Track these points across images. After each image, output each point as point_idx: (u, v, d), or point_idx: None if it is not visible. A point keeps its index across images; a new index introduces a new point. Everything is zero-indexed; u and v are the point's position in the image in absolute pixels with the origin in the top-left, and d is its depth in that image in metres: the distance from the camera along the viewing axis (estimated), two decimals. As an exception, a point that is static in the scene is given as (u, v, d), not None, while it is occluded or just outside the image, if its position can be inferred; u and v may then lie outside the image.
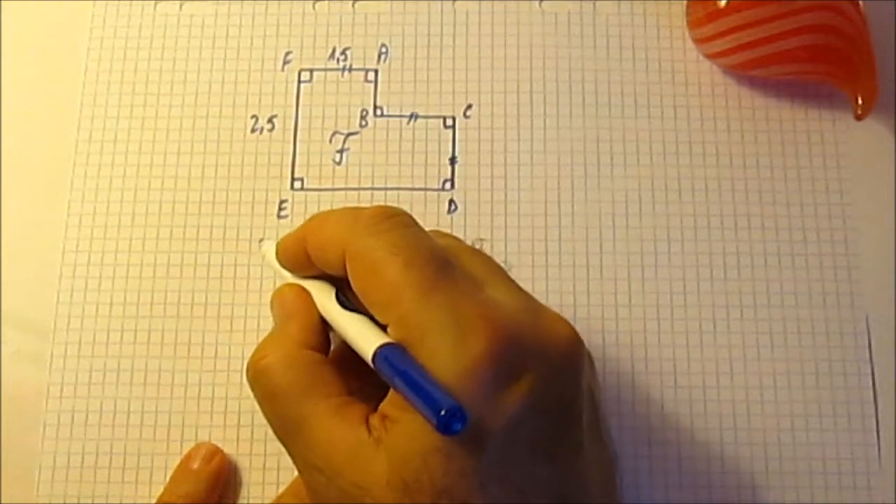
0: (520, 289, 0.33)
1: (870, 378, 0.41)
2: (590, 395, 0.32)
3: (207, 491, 0.39)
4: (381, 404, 0.31)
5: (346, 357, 0.34)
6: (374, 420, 0.30)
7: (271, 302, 0.36)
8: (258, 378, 0.33)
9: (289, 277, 0.36)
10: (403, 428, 0.29)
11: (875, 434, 0.41)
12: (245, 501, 0.40)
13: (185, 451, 0.40)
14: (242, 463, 0.40)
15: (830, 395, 0.41)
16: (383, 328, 0.31)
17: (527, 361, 0.30)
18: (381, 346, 0.30)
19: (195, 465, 0.40)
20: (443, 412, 0.27)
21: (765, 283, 0.43)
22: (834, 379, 0.41)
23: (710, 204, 0.44)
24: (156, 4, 0.47)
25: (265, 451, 0.40)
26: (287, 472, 0.40)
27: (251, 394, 0.41)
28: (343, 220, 0.33)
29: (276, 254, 0.36)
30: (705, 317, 0.42)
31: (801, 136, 0.45)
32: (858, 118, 0.43)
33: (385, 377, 0.30)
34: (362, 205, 0.43)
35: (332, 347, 0.35)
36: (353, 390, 0.33)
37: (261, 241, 0.43)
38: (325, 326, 0.34)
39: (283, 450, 0.40)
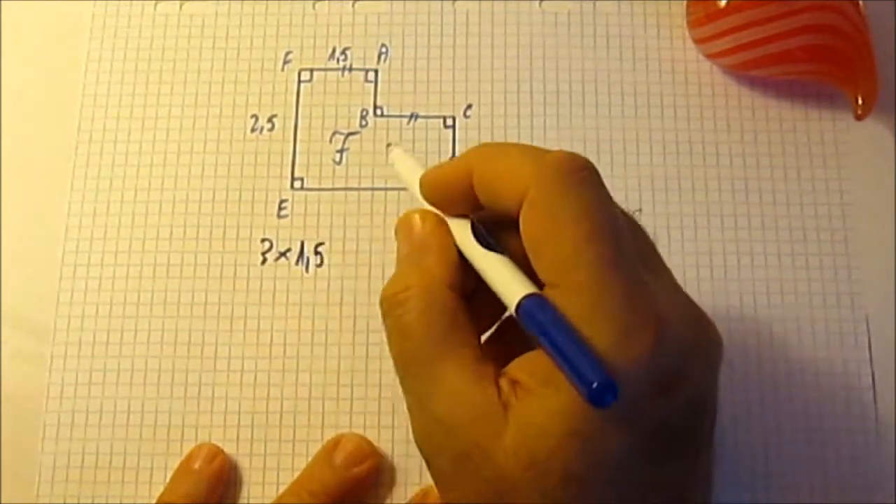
0: (675, 280, 0.32)
1: (870, 378, 0.41)
2: (714, 399, 0.31)
3: (208, 491, 0.39)
4: (512, 367, 0.29)
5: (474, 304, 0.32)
6: (504, 383, 0.29)
7: (398, 227, 0.33)
8: (394, 310, 0.31)
9: (414, 180, 0.34)
10: (540, 403, 0.28)
11: (875, 434, 0.41)
12: (245, 501, 0.40)
13: (186, 451, 0.40)
14: (242, 463, 0.40)
15: (830, 395, 0.41)
16: (532, 278, 0.30)
17: (681, 370, 0.29)
18: (529, 296, 0.28)
19: (196, 466, 0.40)
20: (595, 384, 0.26)
21: (765, 283, 0.43)
22: (834, 379, 0.41)
23: (710, 204, 0.44)
24: (156, 4, 0.47)
25: (265, 451, 0.40)
26: (287, 473, 0.40)
27: (252, 394, 0.41)
28: (528, 156, 0.30)
29: (425, 183, 0.33)
30: (705, 317, 0.42)
31: (801, 136, 0.45)
32: (858, 118, 0.43)
33: (528, 330, 0.28)
34: (363, 204, 0.44)
35: None
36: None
37: (388, 145, 0.40)
38: (464, 265, 0.32)
39: (283, 450, 0.40)
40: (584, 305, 0.28)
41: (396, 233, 0.33)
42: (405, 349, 0.31)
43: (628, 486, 0.28)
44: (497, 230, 0.32)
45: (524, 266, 0.30)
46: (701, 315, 0.31)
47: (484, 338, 0.32)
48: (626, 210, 0.32)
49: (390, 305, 0.31)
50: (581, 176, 0.30)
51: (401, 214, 0.33)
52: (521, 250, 0.30)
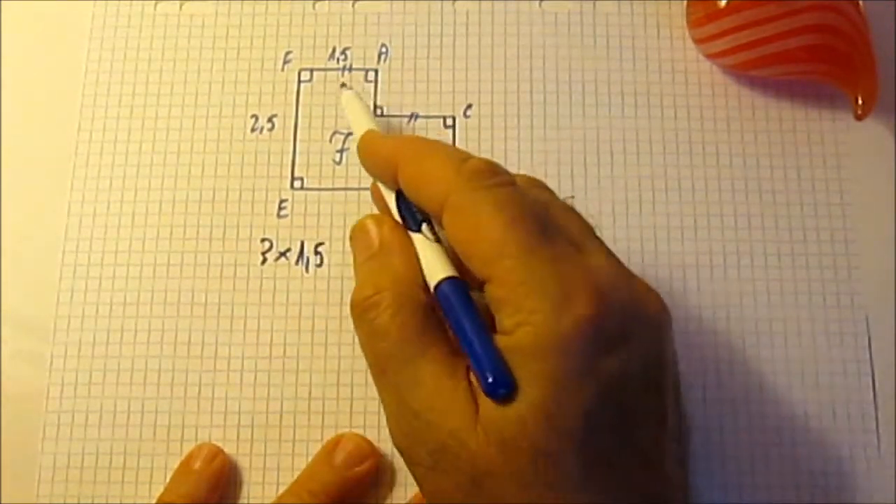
0: (611, 253, 0.33)
1: (870, 378, 0.41)
2: (674, 367, 0.32)
3: (208, 491, 0.39)
4: None
5: None
6: (473, 376, 0.30)
7: (353, 234, 0.35)
8: (367, 314, 0.32)
9: (358, 130, 0.37)
10: None
11: (875, 434, 0.41)
12: (245, 501, 0.40)
13: (186, 451, 0.40)
14: (242, 463, 0.40)
15: (830, 395, 0.41)
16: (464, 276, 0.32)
17: (624, 329, 0.30)
18: (447, 280, 0.31)
19: (196, 466, 0.40)
20: (490, 379, 0.28)
21: (765, 283, 0.43)
22: (834, 379, 0.41)
23: (710, 204, 0.44)
24: (156, 4, 0.47)
25: (265, 451, 0.40)
26: (287, 473, 0.40)
27: (252, 394, 0.41)
28: (446, 164, 0.32)
29: (361, 148, 0.36)
30: (705, 316, 0.42)
31: (801, 136, 0.45)
32: (858, 118, 0.43)
33: (444, 313, 0.31)
34: (363, 204, 0.44)
35: None
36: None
37: (342, 85, 0.43)
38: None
39: (283, 450, 0.40)
40: (517, 287, 0.29)
41: (352, 240, 0.35)
42: (380, 350, 0.32)
43: (596, 455, 0.29)
44: None
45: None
46: (640, 284, 0.32)
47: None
48: (562, 199, 0.34)
49: (362, 310, 0.32)
50: (496, 180, 0.32)
51: (368, 139, 0.36)
52: None
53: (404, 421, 0.31)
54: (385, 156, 0.35)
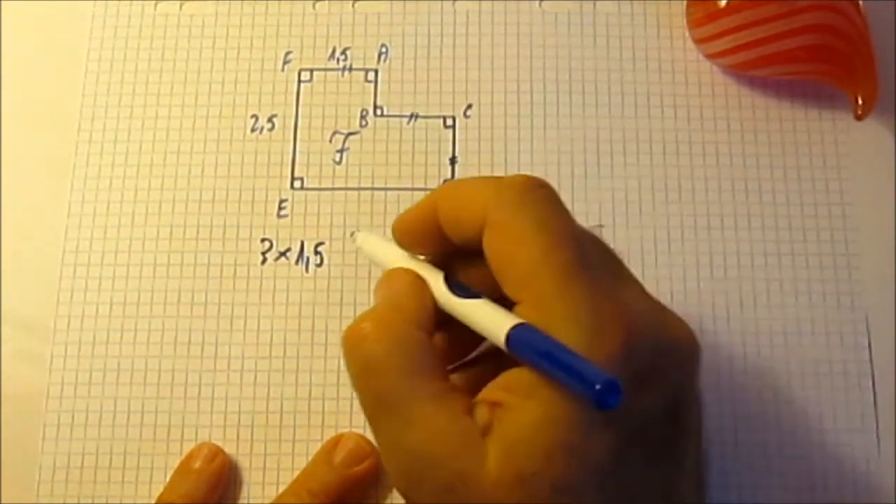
0: (643, 287, 0.32)
1: (870, 378, 0.41)
2: (699, 400, 0.32)
3: (208, 491, 0.39)
4: (487, 390, 0.30)
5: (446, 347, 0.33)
6: (481, 409, 0.29)
7: (379, 284, 0.34)
8: (359, 347, 0.31)
9: (390, 265, 0.35)
10: (523, 418, 0.28)
11: (875, 434, 0.41)
12: (245, 501, 0.40)
13: (186, 451, 0.40)
14: (242, 463, 0.40)
15: (830, 395, 0.41)
16: (506, 306, 0.30)
17: (655, 365, 0.29)
18: (517, 326, 0.29)
19: (196, 465, 0.40)
20: (598, 386, 0.26)
21: (765, 283, 0.43)
22: (834, 379, 0.41)
23: (710, 204, 0.44)
24: (156, 4, 0.47)
25: (265, 451, 0.40)
26: (287, 473, 0.40)
27: (252, 394, 0.41)
28: (486, 186, 0.31)
29: (395, 228, 0.34)
30: (705, 316, 0.42)
31: (801, 136, 0.45)
32: (858, 118, 0.43)
33: (521, 357, 0.29)
34: (363, 204, 0.44)
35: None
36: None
37: (352, 234, 0.43)
38: (436, 315, 0.32)
39: (283, 450, 0.40)
40: (550, 314, 0.29)
41: (378, 288, 0.34)
42: (371, 387, 0.31)
43: (617, 489, 0.28)
44: (474, 275, 0.32)
45: (503, 302, 0.30)
46: (672, 317, 0.31)
47: (453, 375, 0.33)
48: (587, 228, 0.32)
49: (354, 343, 0.31)
50: (537, 194, 0.31)
51: (399, 216, 0.34)
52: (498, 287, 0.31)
53: (403, 463, 0.30)
54: (422, 208, 0.33)
